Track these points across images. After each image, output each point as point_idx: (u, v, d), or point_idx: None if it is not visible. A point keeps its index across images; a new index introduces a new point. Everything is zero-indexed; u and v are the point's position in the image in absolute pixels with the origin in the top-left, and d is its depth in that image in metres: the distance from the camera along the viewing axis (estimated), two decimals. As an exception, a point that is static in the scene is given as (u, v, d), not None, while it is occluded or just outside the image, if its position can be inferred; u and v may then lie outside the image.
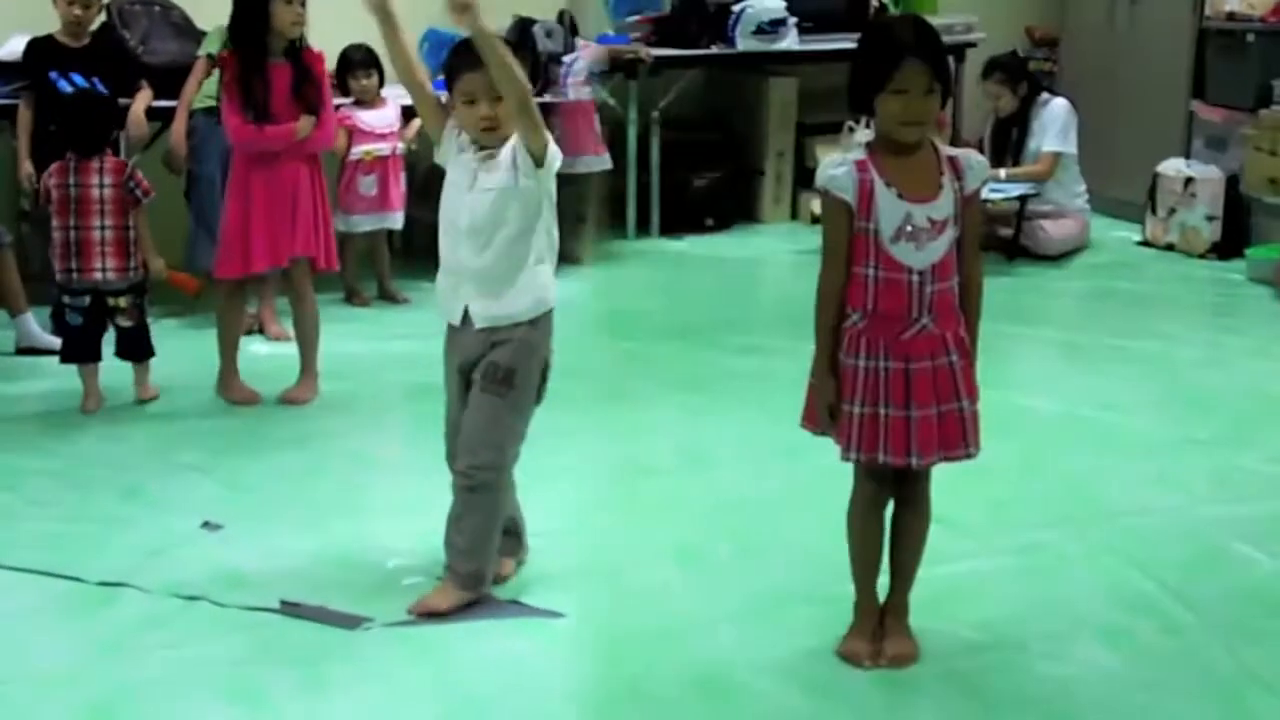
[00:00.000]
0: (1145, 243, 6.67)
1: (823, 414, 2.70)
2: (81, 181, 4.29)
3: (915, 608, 2.91)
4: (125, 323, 4.37)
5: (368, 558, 3.35)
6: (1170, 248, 6.54)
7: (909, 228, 2.61)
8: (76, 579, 3.21)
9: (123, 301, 4.34)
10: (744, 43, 6.80)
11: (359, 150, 5.69)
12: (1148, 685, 2.79)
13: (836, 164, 2.65)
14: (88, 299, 4.32)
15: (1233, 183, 6.36)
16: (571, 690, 2.76)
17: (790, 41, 6.88)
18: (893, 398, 2.65)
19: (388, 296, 5.92)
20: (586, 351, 5.22)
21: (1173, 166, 6.57)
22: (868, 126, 2.78)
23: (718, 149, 7.18)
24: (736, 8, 6.77)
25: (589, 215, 6.45)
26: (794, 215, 7.25)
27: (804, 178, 7.09)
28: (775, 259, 6.60)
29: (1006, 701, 2.72)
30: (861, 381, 2.66)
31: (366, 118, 5.71)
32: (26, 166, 5.11)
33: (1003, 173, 6.35)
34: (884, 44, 2.61)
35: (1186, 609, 3.08)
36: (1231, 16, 6.51)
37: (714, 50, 6.85)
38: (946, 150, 2.71)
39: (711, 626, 3.00)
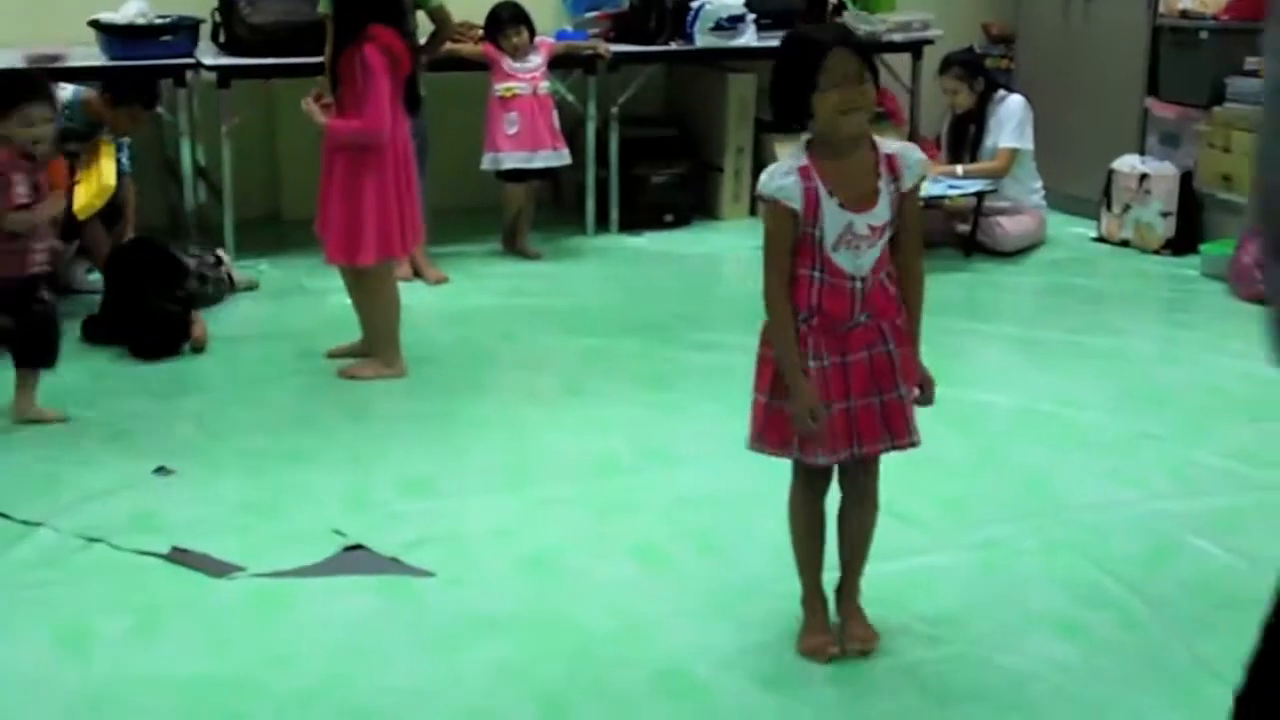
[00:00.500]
0: (1100, 239, 6.72)
1: (804, 418, 2.65)
2: None
3: (871, 603, 2.92)
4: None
5: (289, 509, 3.60)
6: (1125, 244, 6.59)
7: (849, 236, 2.62)
8: (4, 515, 3.50)
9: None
10: (702, 39, 6.80)
11: (500, 87, 6.15)
12: (1103, 678, 2.81)
13: (782, 173, 2.64)
14: None
15: (1187, 179, 6.42)
16: (541, 691, 2.76)
17: (749, 38, 6.89)
18: (834, 393, 2.66)
19: (519, 250, 6.33)
20: (545, 348, 5.22)
21: (1127, 163, 6.62)
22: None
23: (676, 145, 7.18)
24: (695, 4, 6.77)
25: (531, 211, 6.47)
26: (752, 212, 7.25)
27: (763, 174, 7.09)
28: (734, 255, 6.61)
29: (963, 695, 2.74)
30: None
31: (507, 61, 6.19)
32: None
33: (959, 169, 6.38)
34: (806, 43, 2.62)
35: (1142, 602, 3.11)
36: (1185, 14, 6.56)
37: (672, 46, 6.85)
38: (886, 147, 2.70)
39: (672, 622, 3.01)
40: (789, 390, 2.67)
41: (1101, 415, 4.35)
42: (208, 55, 6.19)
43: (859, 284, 2.64)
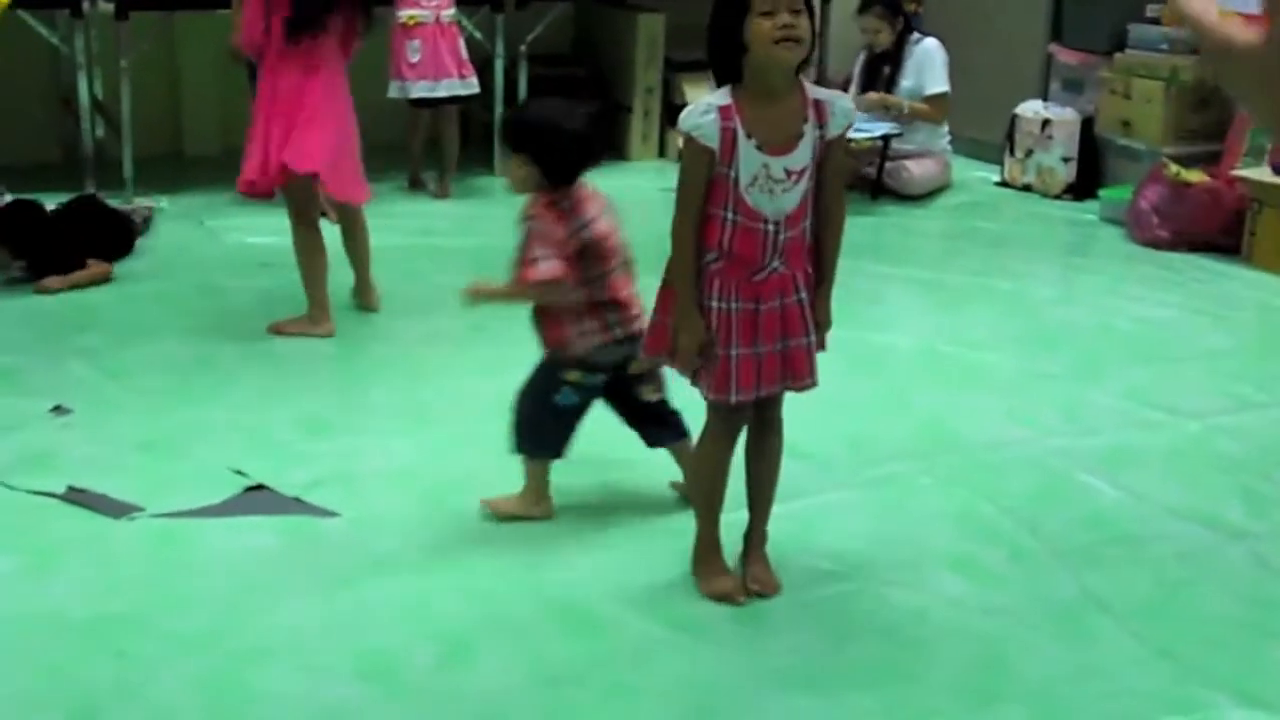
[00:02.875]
0: (1003, 183, 6.80)
1: (690, 354, 2.68)
2: None
3: (773, 540, 2.96)
4: (652, 396, 3.21)
5: (188, 449, 3.54)
6: (1027, 188, 6.69)
7: (764, 179, 2.60)
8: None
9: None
10: (612, -23, 6.75)
11: (403, 14, 6.02)
12: (995, 610, 2.88)
13: (701, 110, 2.60)
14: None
15: (1088, 125, 6.52)
16: (441, 629, 2.76)
17: (658, -23, 6.85)
18: (741, 338, 2.66)
19: (425, 186, 6.24)
20: (451, 287, 5.14)
21: (1030, 108, 6.70)
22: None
23: (585, 85, 7.14)
24: (604, -58, 6.72)
25: (448, 148, 6.37)
26: (662, 153, 7.25)
27: (672, 115, 7.06)
28: (643, 196, 6.56)
29: (861, 629, 2.79)
30: (715, 322, 2.67)
31: None
32: None
33: (905, 105, 6.36)
34: None
35: (1033, 537, 3.19)
36: (1089, -39, 6.64)
37: (582, -15, 6.79)
38: (814, 93, 2.66)
39: (574, 559, 3.03)
40: (679, 325, 2.68)
41: (1000, 356, 4.43)
42: (104, -15, 6.02)
43: (773, 228, 2.62)
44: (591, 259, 3.06)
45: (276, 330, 4.45)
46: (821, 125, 2.64)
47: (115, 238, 5.15)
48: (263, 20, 4.24)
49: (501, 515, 3.20)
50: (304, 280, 4.43)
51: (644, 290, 2.88)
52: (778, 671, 2.64)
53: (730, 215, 2.62)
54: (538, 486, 3.22)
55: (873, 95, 6.42)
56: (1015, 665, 2.69)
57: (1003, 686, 2.62)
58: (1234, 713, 2.55)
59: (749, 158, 2.59)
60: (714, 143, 2.58)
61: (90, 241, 4.97)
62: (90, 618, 2.75)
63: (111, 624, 2.72)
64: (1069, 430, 3.83)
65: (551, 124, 3.09)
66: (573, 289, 3.02)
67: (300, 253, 4.42)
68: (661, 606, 2.84)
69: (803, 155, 2.62)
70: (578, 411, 3.19)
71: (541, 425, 3.19)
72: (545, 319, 3.13)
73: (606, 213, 3.14)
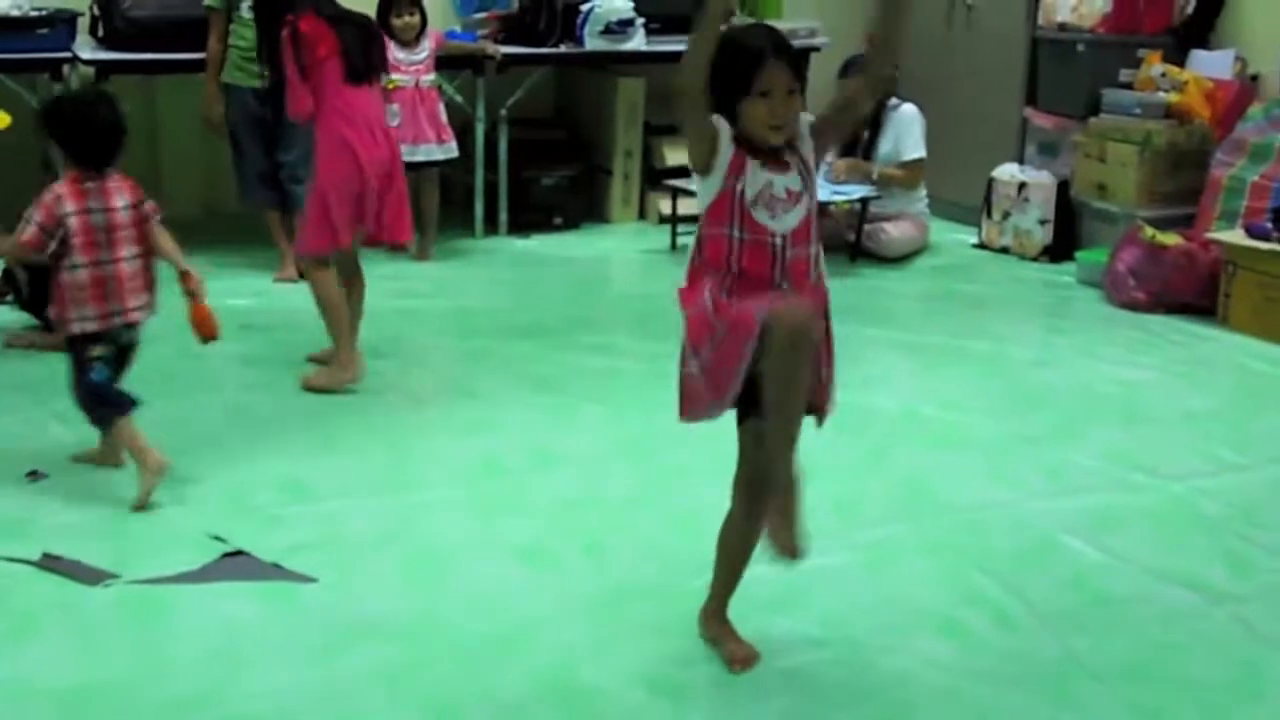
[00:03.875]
0: (981, 245, 6.86)
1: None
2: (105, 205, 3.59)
3: (760, 605, 2.97)
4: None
5: (165, 515, 3.53)
6: (1005, 250, 6.74)
7: (768, 196, 2.64)
8: None
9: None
10: (592, 42, 6.81)
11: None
12: (982, 675, 2.87)
13: (726, 125, 2.64)
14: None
15: (1064, 188, 6.58)
16: (425, 696, 2.73)
17: (638, 42, 6.91)
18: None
19: (415, 249, 6.04)
20: (433, 349, 5.18)
21: (1007, 171, 6.77)
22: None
23: (566, 148, 7.18)
24: (585, 7, 6.78)
25: (427, 211, 6.39)
26: (642, 215, 7.28)
27: (652, 178, 7.14)
28: (623, 258, 6.62)
29: (846, 695, 2.78)
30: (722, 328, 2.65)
31: (393, 49, 6.02)
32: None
33: (875, 170, 6.45)
34: (742, 49, 2.62)
35: (1018, 601, 3.18)
36: (1063, 27, 6.73)
37: (562, 49, 6.85)
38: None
39: (557, 625, 3.00)
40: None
41: (981, 418, 4.44)
42: (85, 49, 6.05)
43: (780, 241, 2.64)
44: (100, 244, 3.51)
45: (309, 387, 4.53)
46: (795, 149, 2.69)
47: None
48: (308, 88, 4.45)
49: (87, 460, 3.74)
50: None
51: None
52: (764, 738, 2.62)
53: (736, 232, 2.64)
54: (131, 443, 3.61)
55: (840, 162, 6.48)
56: (1002, 730, 2.68)
57: (990, 752, 2.61)
58: (1222, 778, 2.54)
59: (755, 173, 2.64)
60: (728, 141, 2.62)
61: None
62: (66, 687, 2.71)
63: (88, 693, 2.69)
64: (1051, 492, 3.84)
65: (78, 116, 3.55)
66: (40, 255, 3.51)
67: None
68: (647, 673, 2.82)
69: (795, 178, 2.67)
70: (112, 379, 3.63)
71: (97, 403, 3.64)
72: (56, 298, 3.54)
73: (127, 209, 3.60)
